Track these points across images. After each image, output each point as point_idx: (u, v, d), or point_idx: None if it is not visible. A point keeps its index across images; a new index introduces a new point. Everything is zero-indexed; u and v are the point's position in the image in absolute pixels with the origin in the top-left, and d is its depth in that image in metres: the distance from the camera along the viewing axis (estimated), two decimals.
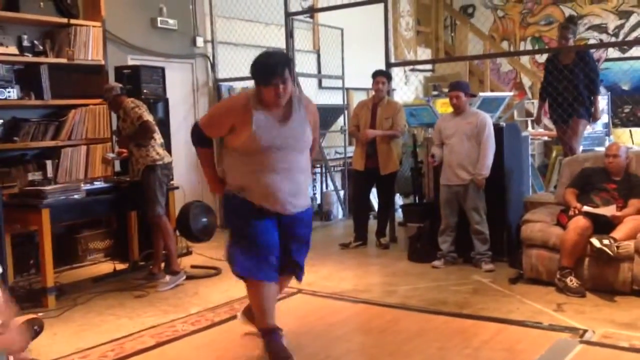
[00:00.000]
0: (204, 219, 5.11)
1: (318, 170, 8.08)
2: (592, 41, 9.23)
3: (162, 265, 4.86)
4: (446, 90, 7.07)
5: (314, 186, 8.08)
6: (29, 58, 5.06)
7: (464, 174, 4.90)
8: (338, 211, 7.73)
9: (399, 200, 7.44)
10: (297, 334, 3.42)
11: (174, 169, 5.02)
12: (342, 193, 7.81)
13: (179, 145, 6.23)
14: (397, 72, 8.22)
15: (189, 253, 5.61)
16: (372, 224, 6.21)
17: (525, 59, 9.92)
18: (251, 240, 2.98)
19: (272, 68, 2.91)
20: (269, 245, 2.99)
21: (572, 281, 4.06)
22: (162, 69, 5.78)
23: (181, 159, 6.27)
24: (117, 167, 5.55)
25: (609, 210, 4.19)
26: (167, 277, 4.68)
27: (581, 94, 5.62)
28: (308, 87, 7.31)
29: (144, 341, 3.45)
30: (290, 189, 3.01)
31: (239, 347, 3.30)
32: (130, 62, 5.95)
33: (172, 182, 5.02)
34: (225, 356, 3.20)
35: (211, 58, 7.00)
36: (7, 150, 4.93)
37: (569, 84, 5.60)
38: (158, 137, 4.72)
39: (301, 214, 3.12)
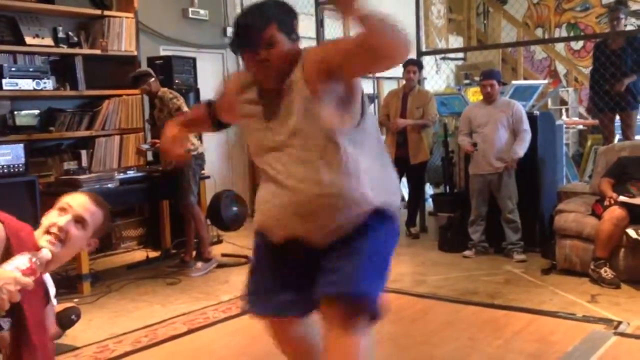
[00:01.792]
0: (235, 208, 5.16)
1: None
2: (629, 27, 8.98)
3: (194, 253, 4.92)
4: (478, 78, 6.98)
5: None
6: (64, 49, 5.15)
7: (498, 163, 4.85)
8: None
9: (429, 189, 7.38)
10: None
11: (205, 158, 5.07)
12: None
13: (210, 135, 6.29)
14: (428, 61, 8.16)
15: (219, 242, 5.68)
16: (403, 213, 6.19)
17: (560, 46, 9.70)
18: None
19: (243, 30, 1.86)
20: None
21: (606, 272, 3.99)
22: (194, 59, 5.83)
23: (212, 149, 6.32)
24: (150, 157, 5.63)
25: None
26: (199, 264, 4.75)
27: (632, 83, 5.49)
28: None
29: (176, 327, 3.51)
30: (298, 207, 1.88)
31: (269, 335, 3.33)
32: (162, 53, 6.01)
33: (203, 172, 5.07)
34: (255, 343, 3.23)
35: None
36: (43, 140, 5.05)
37: (617, 71, 5.46)
38: None
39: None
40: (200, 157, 4.79)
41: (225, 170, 6.80)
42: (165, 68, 5.46)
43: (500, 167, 4.84)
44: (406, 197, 6.38)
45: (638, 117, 5.87)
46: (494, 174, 4.88)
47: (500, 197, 4.89)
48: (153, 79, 4.74)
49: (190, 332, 3.44)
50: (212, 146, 6.32)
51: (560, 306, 3.63)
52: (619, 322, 3.29)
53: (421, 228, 6.01)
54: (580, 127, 7.82)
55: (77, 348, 3.24)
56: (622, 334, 3.14)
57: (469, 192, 5.12)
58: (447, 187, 6.52)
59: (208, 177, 5.31)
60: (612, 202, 4.12)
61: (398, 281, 4.32)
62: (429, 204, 6.80)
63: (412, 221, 5.92)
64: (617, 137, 5.84)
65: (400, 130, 5.64)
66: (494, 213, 4.96)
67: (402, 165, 5.74)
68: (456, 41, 9.96)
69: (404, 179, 6.13)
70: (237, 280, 4.52)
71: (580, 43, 9.48)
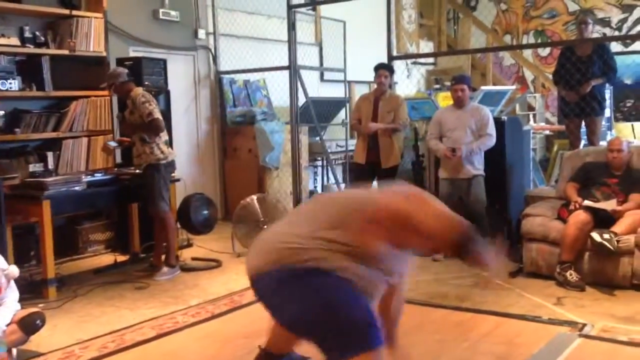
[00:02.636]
0: (205, 212, 5.13)
1: (319, 163, 8.08)
2: (594, 35, 9.19)
3: (163, 257, 4.87)
4: (448, 83, 7.06)
5: (315, 179, 8.08)
6: (31, 49, 5.05)
7: (468, 168, 4.91)
8: None
9: None
10: None
11: (175, 163, 5.02)
12: (343, 186, 7.81)
13: (180, 137, 6.25)
14: (399, 65, 8.23)
15: (189, 245, 5.62)
16: None
17: (527, 53, 9.89)
18: None
19: None
20: None
21: (572, 275, 4.07)
22: (164, 61, 5.77)
23: (182, 151, 6.28)
24: (118, 158, 5.55)
25: (609, 205, 4.19)
26: (165, 269, 4.71)
27: (597, 89, 5.61)
28: (310, 80, 7.30)
29: (145, 332, 3.46)
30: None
31: (239, 339, 3.31)
32: (132, 54, 5.94)
33: (173, 175, 5.02)
34: (226, 347, 3.21)
35: (213, 50, 6.99)
36: (8, 142, 4.93)
37: (583, 78, 5.57)
38: (164, 135, 4.70)
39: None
40: (170, 165, 4.75)
41: (196, 173, 6.75)
42: (134, 69, 5.37)
43: (471, 173, 4.91)
44: None
45: (603, 123, 6.01)
46: (464, 180, 4.94)
47: (469, 202, 4.95)
48: (123, 79, 4.67)
49: (158, 337, 3.40)
50: (182, 149, 6.27)
51: (526, 309, 3.69)
52: (584, 325, 3.36)
53: None
54: (547, 132, 7.97)
55: (42, 354, 3.18)
56: (587, 336, 3.20)
57: (438, 196, 5.17)
58: None
59: (178, 180, 5.26)
60: (577, 206, 4.21)
61: None
62: None
63: None
64: (583, 142, 5.96)
65: (372, 135, 5.66)
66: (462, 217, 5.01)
67: (374, 169, 5.78)
68: (427, 46, 10.07)
69: (375, 183, 6.16)
70: (207, 284, 4.49)
71: (547, 50, 9.68)
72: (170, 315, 3.77)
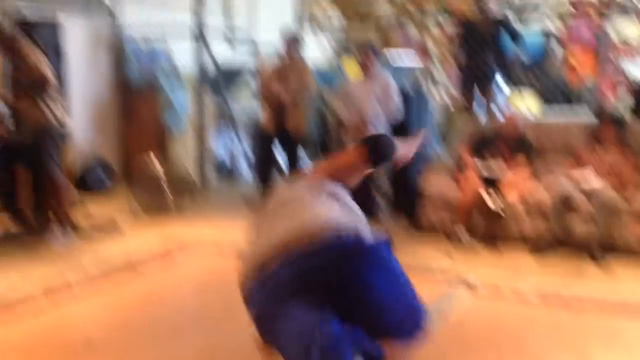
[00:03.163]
0: (103, 175, 4.95)
1: (225, 127, 7.97)
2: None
3: (57, 221, 4.66)
4: (356, 53, 7.13)
5: (221, 144, 7.97)
6: None
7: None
8: (245, 170, 7.69)
9: (305, 161, 7.48)
10: (201, 289, 3.41)
11: (70, 122, 4.79)
12: (249, 153, 7.76)
13: (78, 100, 5.96)
14: (307, 34, 8.20)
15: (85, 208, 5.40)
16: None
17: (433, 27, 10.12)
18: None
19: None
20: None
21: (463, 233, 4.31)
22: (59, 23, 5.45)
23: (78, 114, 5.98)
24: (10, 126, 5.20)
25: (499, 169, 4.44)
26: (60, 233, 4.52)
27: (494, 60, 5.86)
28: (217, 44, 7.15)
29: (38, 302, 3.30)
30: None
31: (138, 306, 3.25)
32: (25, 13, 5.56)
33: (67, 137, 4.79)
34: (126, 314, 3.14)
35: (113, 11, 6.67)
36: None
37: (481, 51, 5.80)
38: (56, 96, 4.46)
39: None
40: (63, 126, 4.52)
41: (92, 134, 6.46)
42: (26, 30, 5.04)
43: None
44: (284, 169, 6.43)
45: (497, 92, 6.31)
46: None
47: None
48: (10, 34, 4.37)
49: (53, 305, 3.25)
50: (80, 111, 5.98)
51: (421, 264, 3.85)
52: (472, 278, 3.56)
53: None
54: (449, 103, 8.26)
55: None
56: (474, 290, 3.39)
57: None
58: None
59: (73, 140, 5.01)
60: (470, 169, 4.44)
61: None
62: None
63: None
64: (479, 110, 6.23)
65: (279, 102, 5.64)
66: (365, 181, 5.12)
67: (281, 137, 5.77)
68: (335, 15, 10.08)
69: (283, 151, 6.18)
70: (103, 246, 4.35)
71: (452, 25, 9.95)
72: (65, 282, 3.62)
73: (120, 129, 6.86)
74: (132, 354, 2.59)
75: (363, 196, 5.10)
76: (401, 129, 5.06)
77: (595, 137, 4.45)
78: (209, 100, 7.02)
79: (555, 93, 8.88)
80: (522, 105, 8.25)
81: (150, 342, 2.73)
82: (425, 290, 3.17)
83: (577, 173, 4.23)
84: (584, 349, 2.61)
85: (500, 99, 6.94)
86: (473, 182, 4.31)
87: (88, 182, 4.83)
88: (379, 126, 5.03)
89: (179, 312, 3.16)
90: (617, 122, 4.39)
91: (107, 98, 6.72)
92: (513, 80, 9.10)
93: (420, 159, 5.45)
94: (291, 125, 5.67)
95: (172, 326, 2.92)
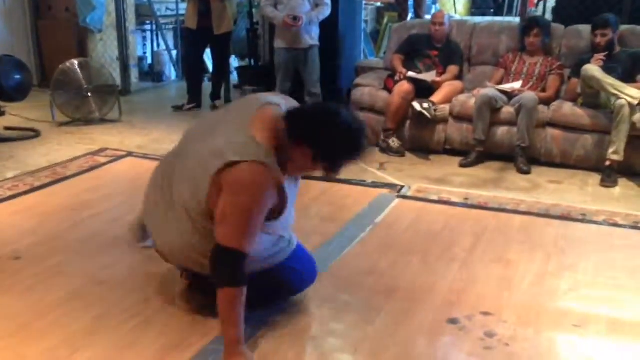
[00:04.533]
0: (17, 76, 4.61)
1: (148, 27, 7.56)
2: None
3: None
4: None
5: (144, 45, 7.59)
6: None
7: (306, 38, 4.88)
8: (171, 72, 7.41)
9: (234, 62, 7.28)
10: (130, 196, 3.35)
11: None
12: (174, 53, 7.45)
13: None
14: None
15: (2, 114, 5.08)
16: (207, 86, 6.06)
17: None
18: None
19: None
20: None
21: (394, 142, 4.36)
22: None
23: None
24: None
25: (429, 76, 4.46)
26: None
27: None
28: None
29: None
30: None
31: (63, 211, 3.16)
32: None
33: None
34: (48, 220, 3.05)
35: None
36: None
37: None
38: None
39: None
40: None
41: (4, 33, 5.99)
42: None
43: (309, 43, 4.88)
44: (210, 69, 6.23)
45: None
46: (301, 49, 4.92)
47: (306, 72, 4.98)
48: None
49: None
50: None
51: (352, 174, 3.89)
52: (402, 186, 3.66)
53: (226, 101, 5.96)
54: (379, 4, 8.12)
55: None
56: (404, 197, 3.51)
57: (274, 65, 5.13)
58: (252, 60, 6.47)
59: None
60: (402, 77, 4.43)
61: None
62: (234, 77, 6.73)
63: (217, 94, 5.84)
64: (410, 15, 6.18)
65: None
66: (296, 87, 5.06)
67: (206, 35, 5.54)
68: None
69: (208, 50, 5.95)
70: (25, 155, 4.16)
71: None
72: None
73: (32, 25, 6.37)
74: (63, 268, 2.54)
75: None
76: (328, 26, 4.96)
77: (521, 41, 4.52)
78: None
79: (487, 1, 8.90)
80: (452, 9, 8.25)
81: (81, 253, 2.68)
82: (358, 198, 3.24)
83: (505, 86, 4.31)
84: (505, 250, 2.79)
85: (430, 1, 6.89)
86: (404, 89, 4.32)
87: (2, 84, 4.49)
88: (311, 28, 4.90)
89: (109, 220, 3.09)
90: (542, 27, 4.45)
91: None
92: None
93: (350, 65, 5.43)
94: (216, 23, 5.44)
95: (102, 235, 2.86)
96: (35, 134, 4.62)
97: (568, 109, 4.09)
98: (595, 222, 3.15)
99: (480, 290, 2.41)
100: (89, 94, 5.04)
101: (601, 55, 4.05)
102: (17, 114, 5.04)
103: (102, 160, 4.05)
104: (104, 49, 6.40)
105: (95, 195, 3.43)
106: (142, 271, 2.50)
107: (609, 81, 3.83)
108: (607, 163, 3.83)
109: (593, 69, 3.92)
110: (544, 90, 4.33)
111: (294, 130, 1.86)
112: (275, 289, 2.18)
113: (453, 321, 2.17)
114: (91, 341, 2.01)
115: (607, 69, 3.95)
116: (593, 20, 4.27)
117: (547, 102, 4.21)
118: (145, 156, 4.18)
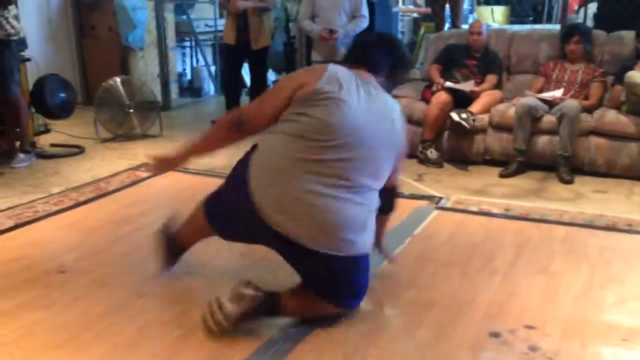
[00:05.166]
0: (62, 94, 4.77)
1: (187, 44, 7.71)
2: None
3: (17, 143, 4.52)
4: None
5: (184, 61, 7.75)
6: None
7: (342, 51, 4.90)
8: (209, 87, 7.53)
9: (271, 76, 7.35)
10: (170, 210, 3.39)
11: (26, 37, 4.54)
12: (213, 68, 7.57)
13: (29, 10, 5.63)
14: None
15: (47, 131, 5.26)
16: (244, 100, 6.13)
17: None
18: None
19: None
20: None
21: (432, 153, 4.33)
22: None
23: (32, 28, 5.67)
24: None
25: (467, 86, 4.42)
26: (21, 155, 4.40)
27: None
28: None
29: (1, 222, 3.26)
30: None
31: (106, 225, 3.23)
32: None
33: (23, 54, 4.56)
34: (92, 235, 3.12)
35: None
36: None
37: None
38: (12, 7, 4.18)
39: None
40: (22, 43, 4.30)
41: (49, 52, 6.19)
42: None
43: (343, 55, 4.89)
44: (248, 84, 6.31)
45: (465, 6, 6.21)
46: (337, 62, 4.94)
47: None
48: None
49: (17, 226, 3.21)
50: (31, 25, 5.66)
51: None
52: (440, 198, 3.63)
53: None
54: (415, 15, 8.11)
55: None
56: (443, 208, 3.47)
57: None
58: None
59: (29, 59, 4.78)
60: (439, 87, 4.40)
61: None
62: None
63: None
64: (447, 25, 6.15)
65: (241, 14, 5.44)
66: None
67: (244, 50, 5.61)
68: None
69: (246, 65, 6.03)
70: (69, 171, 4.28)
71: None
72: (29, 204, 3.56)
73: (76, 44, 6.57)
74: (107, 280, 2.59)
75: None
76: None
77: (561, 49, 4.45)
78: (169, 12, 6.73)
79: (526, 9, 8.80)
80: (490, 18, 8.18)
81: (123, 266, 2.73)
82: (397, 210, 3.22)
83: (546, 94, 4.24)
84: (548, 262, 2.73)
85: (467, 11, 6.84)
86: (442, 100, 4.29)
87: (48, 102, 4.64)
88: (347, 39, 4.92)
89: (149, 234, 3.14)
90: (583, 34, 4.37)
91: (59, 9, 6.38)
92: None
93: None
94: (254, 37, 5.50)
95: (143, 249, 2.91)
96: (79, 150, 4.74)
97: (612, 117, 4.00)
98: None
99: (523, 303, 2.36)
100: (131, 110, 5.15)
101: None
102: (62, 131, 5.19)
103: (144, 175, 4.13)
104: (145, 66, 6.55)
105: (137, 209, 3.49)
106: (181, 284, 2.54)
107: None
108: None
109: (637, 76, 3.83)
110: (585, 98, 4.24)
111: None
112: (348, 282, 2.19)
113: (495, 335, 2.13)
114: (135, 353, 2.04)
115: None
116: (637, 26, 4.17)
117: (589, 110, 4.12)
118: (185, 171, 4.24)
